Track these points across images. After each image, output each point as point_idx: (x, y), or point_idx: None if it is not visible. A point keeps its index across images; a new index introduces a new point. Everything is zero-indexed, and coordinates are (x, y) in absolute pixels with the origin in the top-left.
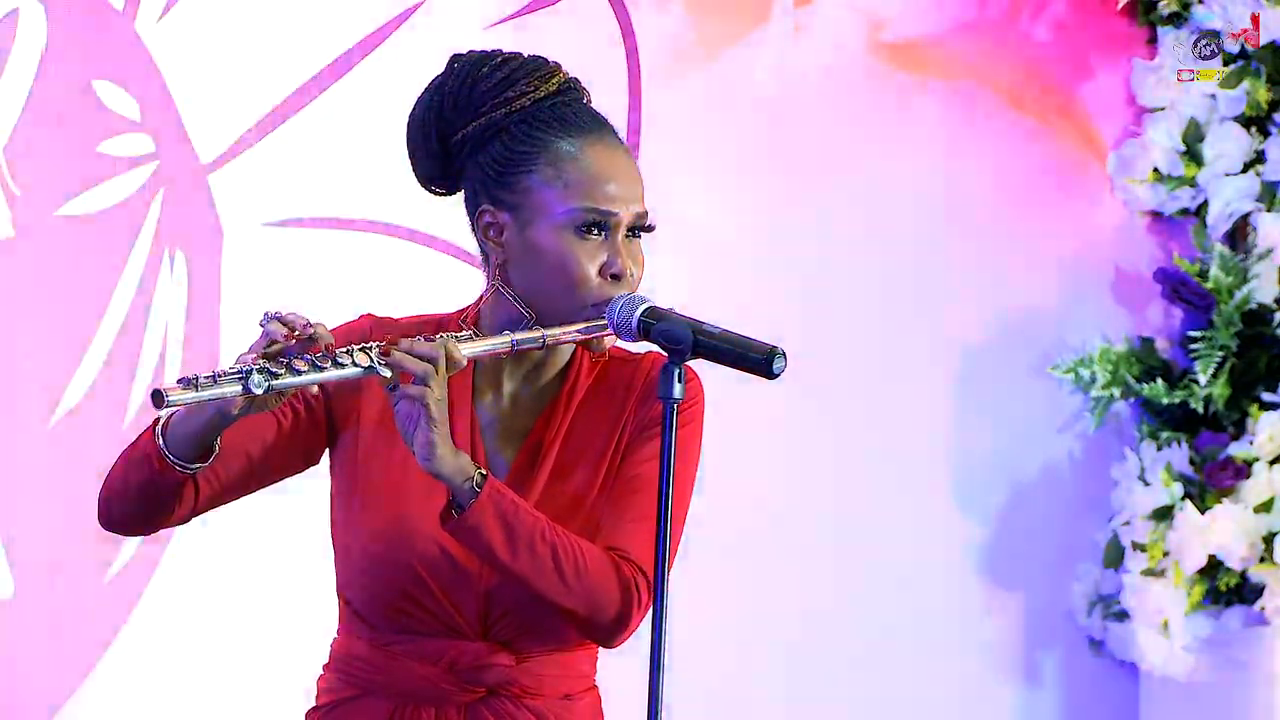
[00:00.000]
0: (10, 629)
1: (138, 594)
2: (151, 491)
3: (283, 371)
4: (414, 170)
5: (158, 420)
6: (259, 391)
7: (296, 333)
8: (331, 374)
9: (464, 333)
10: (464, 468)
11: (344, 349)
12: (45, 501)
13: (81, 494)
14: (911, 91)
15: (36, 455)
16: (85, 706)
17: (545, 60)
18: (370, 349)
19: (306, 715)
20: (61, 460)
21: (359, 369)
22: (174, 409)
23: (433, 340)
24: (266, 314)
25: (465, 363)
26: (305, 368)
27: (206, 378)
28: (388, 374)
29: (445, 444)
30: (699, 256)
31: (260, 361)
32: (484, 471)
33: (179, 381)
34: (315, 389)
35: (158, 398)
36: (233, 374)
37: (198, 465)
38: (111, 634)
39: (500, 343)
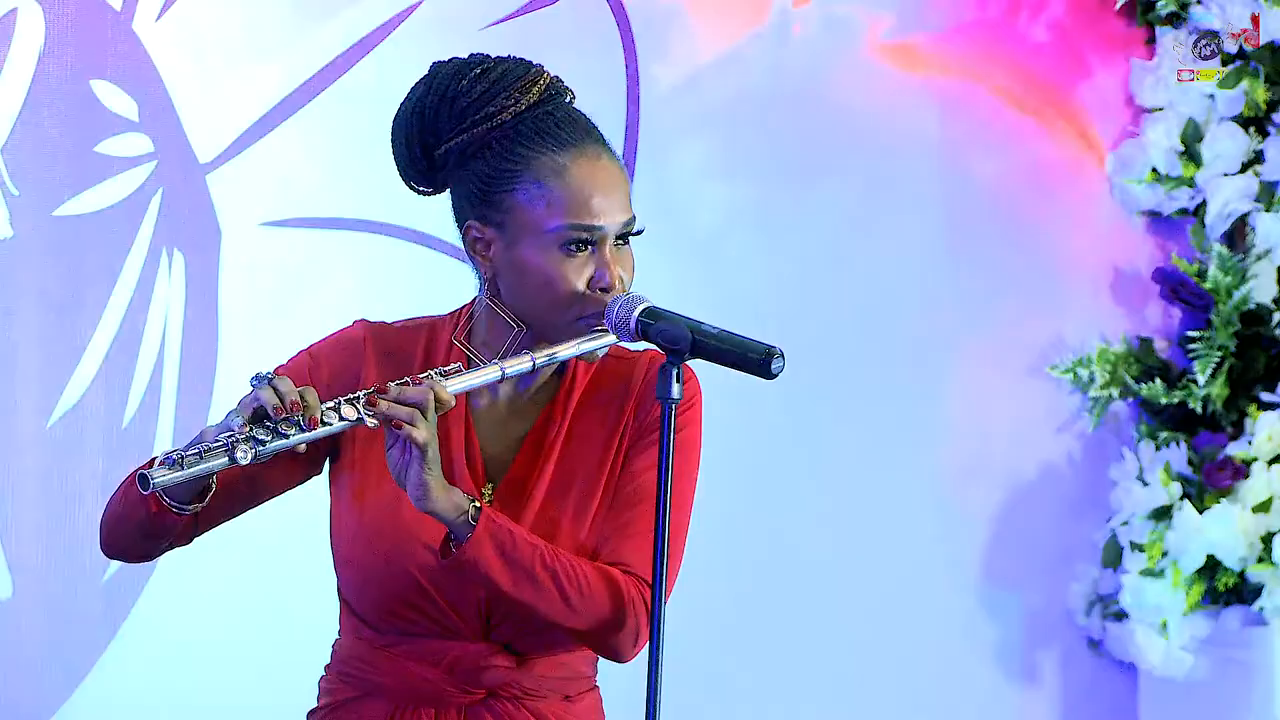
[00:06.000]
0: (9, 629)
1: (136, 594)
2: (151, 529)
3: (269, 438)
4: (399, 173)
5: (153, 460)
6: (245, 462)
7: (286, 405)
8: (319, 432)
9: (451, 366)
10: (458, 503)
11: (331, 404)
12: (44, 501)
13: (80, 494)
14: (910, 91)
15: (35, 455)
16: (84, 707)
17: (527, 66)
18: (357, 400)
19: (307, 716)
20: (60, 460)
21: (346, 423)
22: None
23: (420, 383)
24: (258, 376)
25: (454, 402)
26: (292, 430)
27: (193, 454)
28: (374, 424)
29: (438, 483)
30: (697, 256)
31: (247, 429)
32: (478, 504)
33: (164, 461)
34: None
35: (144, 482)
36: (218, 447)
37: (194, 506)
38: (110, 634)
39: (489, 375)
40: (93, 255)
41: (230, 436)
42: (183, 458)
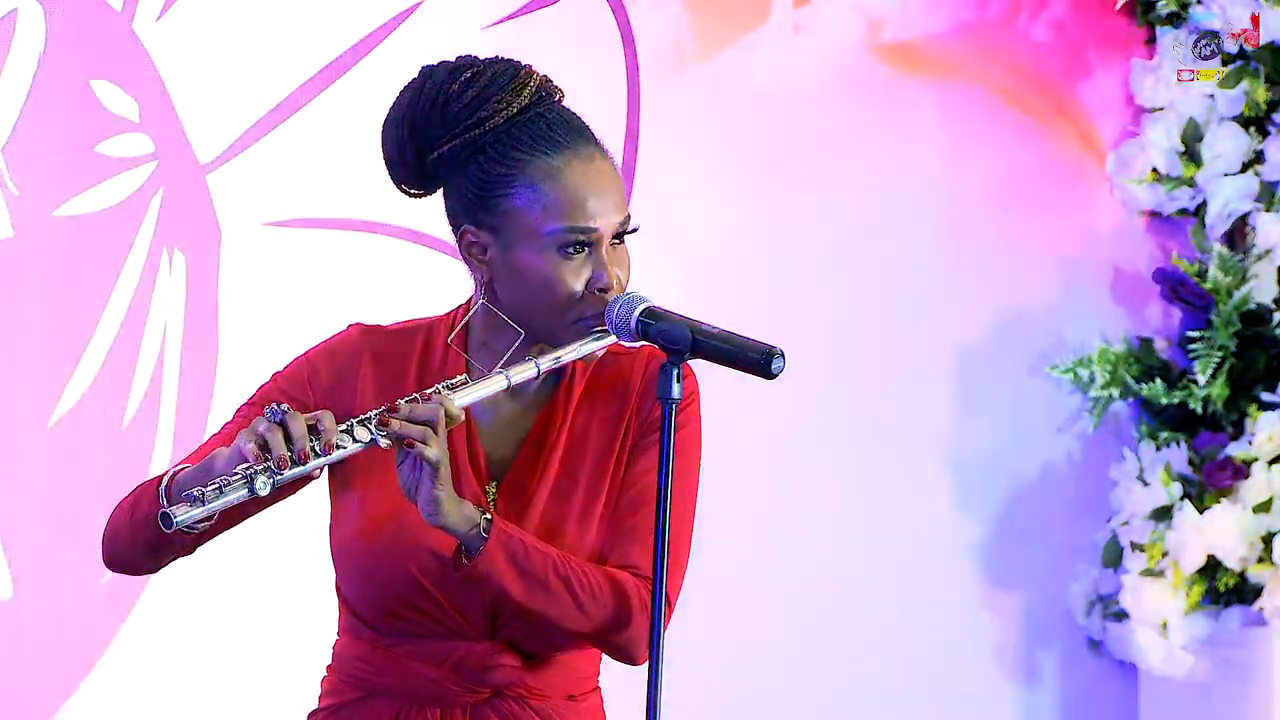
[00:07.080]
0: (9, 630)
1: (136, 594)
2: (159, 546)
3: (286, 467)
4: (390, 177)
5: (160, 478)
6: (264, 493)
7: (296, 454)
8: (334, 457)
9: (458, 379)
10: (469, 516)
11: (344, 427)
12: (44, 502)
13: (80, 495)
14: (910, 91)
15: (35, 456)
16: (83, 708)
17: (516, 68)
18: (370, 420)
19: (309, 717)
20: (60, 461)
21: (360, 444)
22: (186, 519)
23: (429, 399)
24: (275, 409)
25: (463, 416)
26: (308, 456)
27: (213, 489)
28: (387, 444)
29: (450, 498)
30: (697, 257)
31: (263, 457)
32: (489, 516)
33: (184, 499)
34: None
35: (166, 521)
36: (238, 481)
37: (203, 524)
38: (110, 635)
39: (495, 384)
40: (93, 255)
41: (248, 468)
42: (203, 494)
